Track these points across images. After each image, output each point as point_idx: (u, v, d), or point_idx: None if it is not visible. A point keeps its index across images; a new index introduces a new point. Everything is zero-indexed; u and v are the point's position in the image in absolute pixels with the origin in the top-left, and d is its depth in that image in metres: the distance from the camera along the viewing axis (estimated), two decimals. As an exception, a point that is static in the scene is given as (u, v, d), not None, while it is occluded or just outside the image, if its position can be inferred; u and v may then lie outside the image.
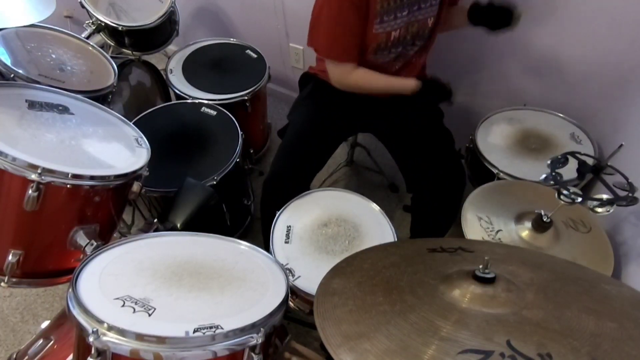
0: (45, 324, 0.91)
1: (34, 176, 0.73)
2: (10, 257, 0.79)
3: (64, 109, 0.93)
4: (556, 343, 0.46)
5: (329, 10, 1.07)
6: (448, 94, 1.13)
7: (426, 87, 1.14)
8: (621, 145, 0.86)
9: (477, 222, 0.97)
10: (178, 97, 1.54)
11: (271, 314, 0.66)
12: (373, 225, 1.05)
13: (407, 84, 1.15)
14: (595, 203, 0.80)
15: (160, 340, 0.57)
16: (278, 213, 1.07)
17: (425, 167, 1.17)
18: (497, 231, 0.95)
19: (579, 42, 1.26)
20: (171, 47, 1.71)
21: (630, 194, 0.79)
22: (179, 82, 1.55)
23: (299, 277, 0.93)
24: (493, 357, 0.44)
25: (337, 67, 1.18)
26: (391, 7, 1.08)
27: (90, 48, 1.31)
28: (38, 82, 1.02)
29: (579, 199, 0.81)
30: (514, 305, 0.54)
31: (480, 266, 0.59)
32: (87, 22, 1.46)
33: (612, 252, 0.91)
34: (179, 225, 1.07)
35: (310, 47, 1.19)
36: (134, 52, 1.55)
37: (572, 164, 0.92)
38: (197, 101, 1.47)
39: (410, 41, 1.18)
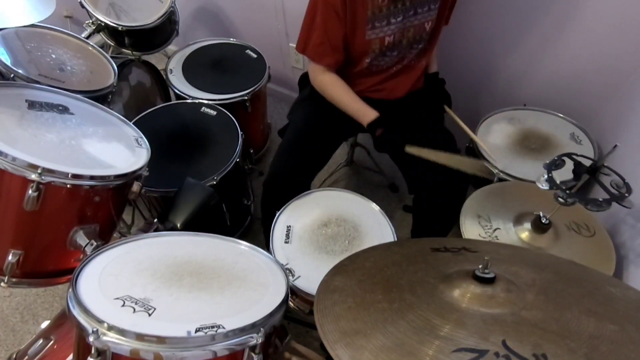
0: (45, 324, 0.91)
1: (34, 176, 0.73)
2: (10, 257, 0.79)
3: (64, 109, 0.93)
4: (553, 344, 0.46)
5: (310, 12, 1.12)
6: (396, 149, 1.14)
7: (382, 131, 1.14)
8: (615, 145, 0.85)
9: (475, 220, 0.97)
10: (178, 97, 1.54)
11: (271, 314, 0.66)
12: (373, 225, 1.05)
13: (365, 115, 1.16)
14: (591, 204, 0.80)
15: (161, 340, 0.57)
16: (278, 213, 1.07)
17: (427, 168, 1.17)
18: (495, 229, 0.95)
19: (579, 43, 1.27)
20: (171, 47, 1.71)
21: (626, 195, 0.79)
22: (179, 82, 1.55)
23: (299, 277, 0.93)
24: (487, 357, 0.44)
25: (311, 64, 1.22)
26: (383, 13, 1.08)
27: (90, 48, 1.31)
28: (38, 82, 1.02)
29: (573, 200, 0.81)
30: (512, 306, 0.54)
31: (480, 266, 0.59)
32: (87, 22, 1.46)
33: (615, 257, 0.90)
34: (179, 225, 1.07)
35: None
36: (134, 52, 1.55)
37: (570, 164, 0.92)
38: (197, 101, 1.47)
39: (407, 45, 1.17)
